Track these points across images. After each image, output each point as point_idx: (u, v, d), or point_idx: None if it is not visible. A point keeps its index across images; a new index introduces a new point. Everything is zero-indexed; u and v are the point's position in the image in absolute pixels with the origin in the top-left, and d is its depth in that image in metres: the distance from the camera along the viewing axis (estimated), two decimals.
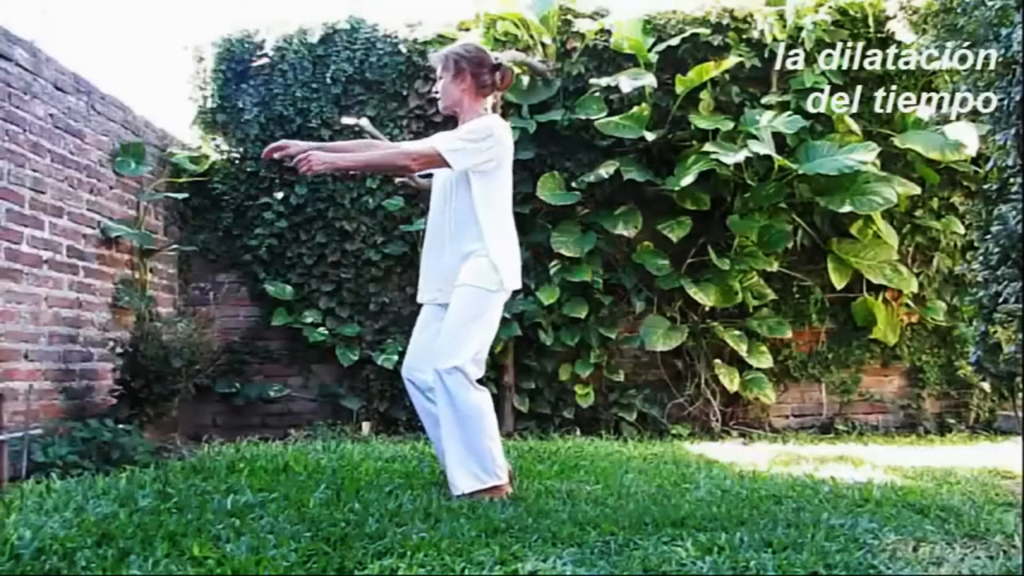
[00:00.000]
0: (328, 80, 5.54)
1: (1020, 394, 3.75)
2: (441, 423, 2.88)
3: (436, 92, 3.19)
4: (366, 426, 5.21)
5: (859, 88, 5.48)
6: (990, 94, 3.26)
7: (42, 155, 4.03)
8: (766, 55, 5.38)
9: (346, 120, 5.19)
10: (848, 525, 2.38)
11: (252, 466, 3.40)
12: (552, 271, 5.30)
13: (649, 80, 5.12)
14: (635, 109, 5.19)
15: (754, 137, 4.99)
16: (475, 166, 2.94)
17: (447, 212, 3.05)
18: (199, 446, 4.57)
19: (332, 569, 1.97)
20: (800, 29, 5.29)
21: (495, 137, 2.96)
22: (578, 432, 5.12)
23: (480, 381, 2.92)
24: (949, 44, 3.60)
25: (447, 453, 2.88)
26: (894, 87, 5.46)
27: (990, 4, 3.24)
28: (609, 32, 5.39)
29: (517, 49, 5.41)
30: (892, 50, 5.36)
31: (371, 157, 3.12)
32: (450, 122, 3.28)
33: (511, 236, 3.07)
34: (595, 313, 5.37)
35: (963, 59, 3.51)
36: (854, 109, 5.10)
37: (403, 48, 5.56)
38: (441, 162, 2.92)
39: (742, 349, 5.23)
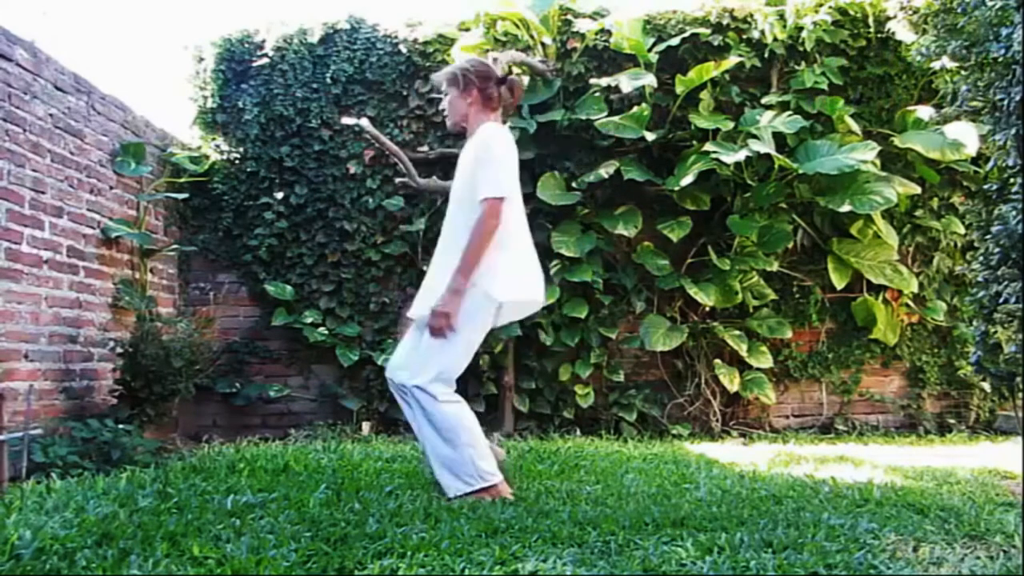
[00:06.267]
0: (328, 80, 5.54)
1: (1020, 394, 3.74)
2: (418, 434, 2.94)
3: (443, 109, 3.18)
4: (366, 426, 5.21)
5: (859, 88, 5.52)
6: (990, 94, 3.25)
7: (42, 155, 4.03)
8: (766, 55, 5.39)
9: (346, 120, 5.19)
10: (848, 525, 2.38)
11: (252, 466, 3.40)
12: (552, 271, 5.30)
13: (649, 80, 5.12)
14: (635, 109, 5.19)
15: (754, 137, 4.99)
16: (509, 179, 2.93)
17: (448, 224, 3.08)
18: (199, 446, 4.57)
19: (332, 569, 1.97)
20: (800, 29, 5.30)
21: (503, 144, 2.95)
22: (578, 432, 5.12)
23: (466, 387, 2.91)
24: (949, 44, 3.59)
25: (432, 462, 2.91)
26: (894, 87, 5.50)
27: (990, 4, 3.24)
28: (609, 32, 5.39)
29: (517, 49, 5.42)
30: (892, 50, 5.39)
31: (467, 254, 2.86)
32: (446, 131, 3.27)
33: (508, 245, 2.94)
34: (595, 313, 5.38)
35: (963, 59, 3.51)
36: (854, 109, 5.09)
37: (403, 48, 5.56)
38: (500, 202, 2.88)
39: (742, 349, 5.23)
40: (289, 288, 5.42)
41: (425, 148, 5.52)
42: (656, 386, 5.47)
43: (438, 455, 2.87)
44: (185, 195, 5.29)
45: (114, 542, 2.10)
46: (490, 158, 2.91)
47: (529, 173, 5.38)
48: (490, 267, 2.88)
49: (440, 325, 2.82)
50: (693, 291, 5.15)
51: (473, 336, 2.94)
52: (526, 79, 5.46)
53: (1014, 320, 3.06)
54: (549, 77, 5.41)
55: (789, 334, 5.39)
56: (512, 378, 5.27)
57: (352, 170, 5.53)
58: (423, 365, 2.89)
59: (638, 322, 5.37)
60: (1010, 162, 3.12)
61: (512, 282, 2.94)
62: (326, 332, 5.40)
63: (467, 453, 2.84)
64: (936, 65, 4.04)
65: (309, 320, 5.41)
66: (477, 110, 3.06)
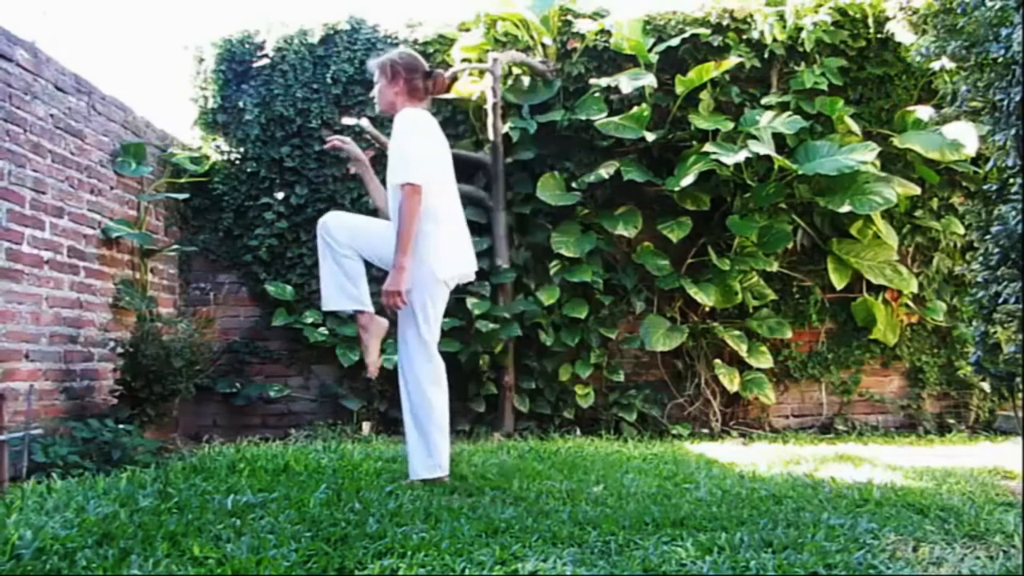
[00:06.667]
0: (328, 80, 5.55)
1: (1020, 394, 3.74)
2: (403, 413, 3.20)
3: (373, 96, 3.41)
4: (366, 426, 5.21)
5: (859, 88, 5.52)
6: (990, 94, 3.25)
7: (43, 155, 4.03)
8: (766, 55, 5.39)
9: (346, 121, 5.19)
10: (848, 525, 2.38)
11: (252, 466, 3.40)
12: (552, 271, 5.31)
13: (649, 80, 5.12)
14: (635, 109, 5.19)
15: (754, 137, 4.99)
16: (426, 161, 3.10)
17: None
18: (199, 446, 4.57)
19: (332, 569, 1.98)
20: (800, 30, 5.30)
21: (416, 129, 3.13)
22: (578, 432, 5.12)
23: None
24: (949, 45, 3.60)
25: (408, 442, 3.17)
26: (894, 88, 5.50)
27: (990, 4, 3.24)
28: (609, 32, 5.39)
29: (517, 49, 5.42)
30: (892, 50, 5.39)
31: (399, 236, 3.07)
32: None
33: (442, 223, 3.19)
34: (595, 313, 5.38)
35: (963, 59, 3.51)
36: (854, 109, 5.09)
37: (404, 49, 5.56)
38: (414, 188, 3.06)
39: (742, 349, 5.23)
40: (289, 288, 5.42)
41: None
42: (656, 386, 5.47)
43: (414, 440, 3.14)
44: (185, 195, 5.29)
45: (114, 542, 2.11)
46: (399, 145, 3.12)
47: (529, 173, 5.39)
48: (436, 246, 3.14)
49: (392, 302, 3.07)
50: (693, 291, 5.15)
51: (429, 303, 3.17)
52: (526, 79, 5.47)
53: (1014, 320, 3.06)
54: (549, 77, 5.42)
55: (789, 334, 5.40)
56: (512, 378, 5.27)
57: (352, 170, 5.49)
58: (406, 354, 3.20)
59: (638, 322, 5.37)
60: (1009, 162, 3.12)
61: (450, 260, 3.20)
62: (326, 332, 5.40)
63: (436, 440, 3.11)
64: (936, 65, 4.04)
65: (309, 320, 5.41)
66: (404, 99, 3.28)
